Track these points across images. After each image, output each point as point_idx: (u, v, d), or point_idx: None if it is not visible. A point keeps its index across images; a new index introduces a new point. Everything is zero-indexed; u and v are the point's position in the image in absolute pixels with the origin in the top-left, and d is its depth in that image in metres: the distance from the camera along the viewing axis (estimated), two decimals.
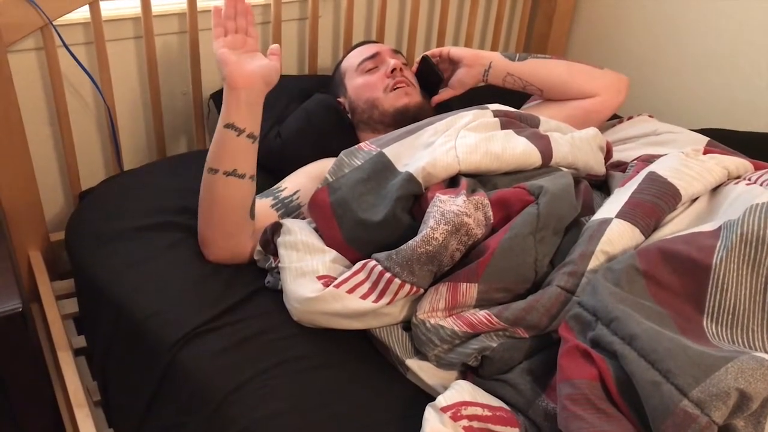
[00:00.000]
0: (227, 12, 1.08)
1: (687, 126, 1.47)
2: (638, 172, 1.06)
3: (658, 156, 1.13)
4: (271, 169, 1.32)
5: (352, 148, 1.10)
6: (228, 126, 1.04)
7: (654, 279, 0.84)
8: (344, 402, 0.89)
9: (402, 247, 0.92)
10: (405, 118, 1.26)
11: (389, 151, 1.07)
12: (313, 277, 0.97)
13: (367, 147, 1.09)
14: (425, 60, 1.38)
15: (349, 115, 1.36)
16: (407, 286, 0.92)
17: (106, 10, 1.37)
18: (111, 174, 1.49)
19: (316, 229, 1.07)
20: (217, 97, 1.51)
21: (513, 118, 1.16)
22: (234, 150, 1.05)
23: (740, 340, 0.80)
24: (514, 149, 1.06)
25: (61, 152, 1.44)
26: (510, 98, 1.42)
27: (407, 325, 0.97)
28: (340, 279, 0.95)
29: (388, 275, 0.92)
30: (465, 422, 0.80)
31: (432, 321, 0.92)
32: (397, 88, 1.30)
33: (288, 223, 1.07)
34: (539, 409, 0.83)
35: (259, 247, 1.08)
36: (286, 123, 1.37)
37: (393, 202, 0.99)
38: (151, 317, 1.01)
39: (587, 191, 1.08)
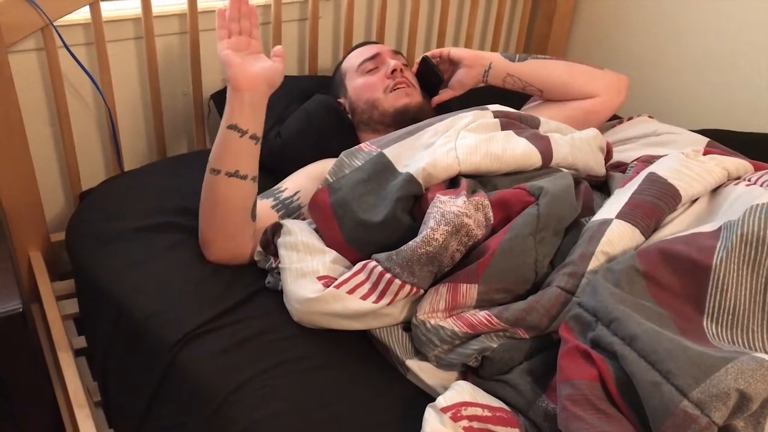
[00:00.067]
0: (231, 14, 1.08)
1: (687, 126, 1.47)
2: (638, 173, 1.06)
3: (658, 157, 1.13)
4: (271, 169, 1.32)
5: (352, 148, 1.10)
6: (231, 127, 1.04)
7: (654, 280, 0.84)
8: (344, 402, 0.89)
9: (402, 247, 0.92)
10: (405, 119, 1.27)
11: (389, 152, 1.07)
12: (314, 278, 0.97)
13: (368, 147, 1.09)
14: (425, 61, 1.38)
15: (350, 116, 1.36)
16: (407, 287, 0.92)
17: (107, 10, 1.37)
18: (111, 174, 1.49)
19: (317, 230, 1.07)
20: (218, 97, 1.51)
21: (513, 119, 1.16)
22: (236, 151, 1.05)
23: (740, 341, 0.80)
24: (514, 150, 1.06)
25: (61, 153, 1.44)
26: (510, 99, 1.42)
27: (407, 325, 0.97)
28: (340, 280, 0.95)
29: (388, 276, 0.92)
30: (465, 423, 0.80)
31: (432, 321, 0.92)
32: (398, 88, 1.30)
33: (288, 223, 1.07)
34: (539, 409, 0.83)
35: (259, 248, 1.08)
36: (286, 123, 1.37)
37: (393, 203, 0.99)
38: (152, 317, 1.01)
39: (587, 192, 1.08)
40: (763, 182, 1.00)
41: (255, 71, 1.05)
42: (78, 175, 1.42)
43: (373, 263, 0.94)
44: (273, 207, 1.15)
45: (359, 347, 0.98)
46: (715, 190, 1.03)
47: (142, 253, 1.12)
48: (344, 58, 1.44)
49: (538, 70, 1.35)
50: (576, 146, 1.13)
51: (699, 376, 0.70)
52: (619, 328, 0.78)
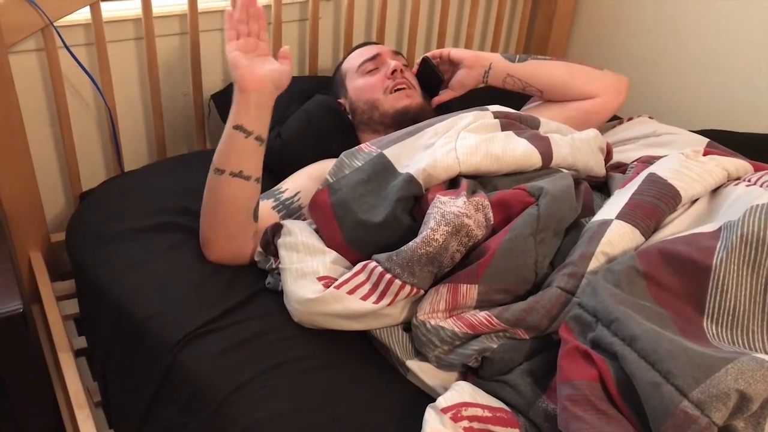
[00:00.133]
0: (240, 16, 1.08)
1: (687, 127, 1.47)
2: (638, 174, 1.06)
3: (658, 157, 1.13)
4: (272, 169, 1.32)
5: (352, 149, 1.10)
6: (236, 127, 1.05)
7: (654, 280, 0.84)
8: (345, 403, 0.89)
9: (402, 248, 0.92)
10: (405, 120, 1.27)
11: (389, 153, 1.07)
12: (314, 278, 0.97)
13: (368, 148, 1.09)
14: (425, 61, 1.38)
15: (350, 116, 1.36)
16: (408, 287, 0.92)
17: (107, 11, 1.37)
18: (111, 175, 1.49)
19: (317, 230, 1.07)
20: (218, 98, 1.51)
21: (513, 120, 1.16)
22: (241, 151, 1.05)
23: (740, 341, 0.80)
24: (514, 151, 1.06)
25: (61, 153, 1.44)
26: (510, 99, 1.42)
27: (408, 326, 0.97)
28: (340, 280, 0.95)
29: (388, 276, 0.92)
30: (465, 423, 0.80)
31: (432, 322, 0.92)
32: (398, 89, 1.30)
33: (288, 224, 1.07)
34: (539, 410, 0.83)
35: (259, 249, 1.08)
36: (286, 124, 1.37)
37: (393, 203, 0.99)
38: (152, 318, 1.01)
39: (587, 192, 1.08)
40: (763, 183, 1.00)
41: (262, 73, 1.05)
42: (78, 176, 1.42)
43: (374, 264, 0.94)
44: (273, 208, 1.15)
45: (359, 348, 0.98)
46: (715, 191, 1.03)
47: (142, 253, 1.12)
48: (344, 58, 1.44)
49: (538, 70, 1.35)
50: (576, 147, 1.13)
51: (699, 377, 0.70)
52: (619, 329, 0.78)
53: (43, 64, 1.34)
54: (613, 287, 0.82)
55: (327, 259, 1.00)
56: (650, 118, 1.48)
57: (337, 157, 1.11)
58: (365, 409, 0.88)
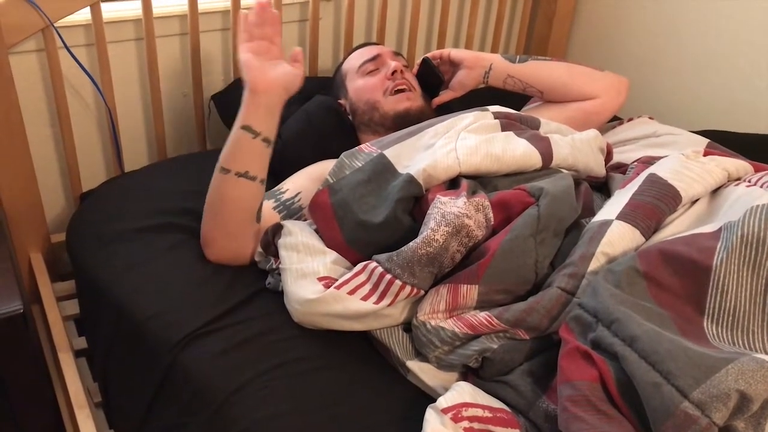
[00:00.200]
0: (254, 19, 1.08)
1: (687, 127, 1.48)
2: (638, 174, 1.06)
3: (659, 158, 1.13)
4: (272, 170, 1.31)
5: (352, 149, 1.10)
6: (245, 128, 1.05)
7: (654, 280, 0.84)
8: (345, 403, 0.89)
9: (403, 248, 0.92)
10: (405, 122, 1.26)
11: (390, 153, 1.07)
12: (314, 279, 0.97)
13: (368, 149, 1.09)
14: (426, 62, 1.38)
15: (350, 117, 1.36)
16: (408, 288, 0.92)
17: (107, 11, 1.37)
18: (112, 175, 1.49)
19: (317, 231, 1.07)
20: (218, 98, 1.51)
21: (513, 120, 1.16)
22: (248, 152, 1.05)
23: (740, 342, 0.80)
24: (514, 151, 1.06)
25: (62, 153, 1.44)
26: (510, 100, 1.42)
27: (408, 326, 0.97)
28: (340, 280, 0.95)
29: (388, 277, 0.92)
30: (466, 423, 0.80)
31: (432, 322, 0.92)
32: (398, 90, 1.30)
33: (288, 224, 1.07)
34: (540, 410, 0.83)
35: (259, 249, 1.08)
36: (286, 124, 1.37)
37: (394, 204, 0.99)
38: (152, 318, 1.01)
39: (587, 193, 1.08)
40: (764, 183, 1.00)
41: (273, 75, 1.05)
42: (78, 176, 1.42)
43: (374, 264, 0.94)
44: (274, 208, 1.15)
45: (360, 348, 0.98)
46: (716, 191, 1.03)
47: (142, 253, 1.12)
48: (345, 59, 1.44)
49: (539, 71, 1.35)
50: (576, 147, 1.13)
51: (699, 377, 0.70)
52: (619, 329, 0.78)
53: (44, 65, 1.34)
54: (614, 288, 0.82)
55: (327, 260, 1.00)
56: (650, 118, 1.48)
57: (337, 157, 1.11)
58: (366, 409, 0.88)
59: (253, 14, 1.07)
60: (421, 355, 0.94)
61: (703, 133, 1.41)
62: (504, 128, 1.13)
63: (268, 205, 1.16)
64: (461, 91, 1.38)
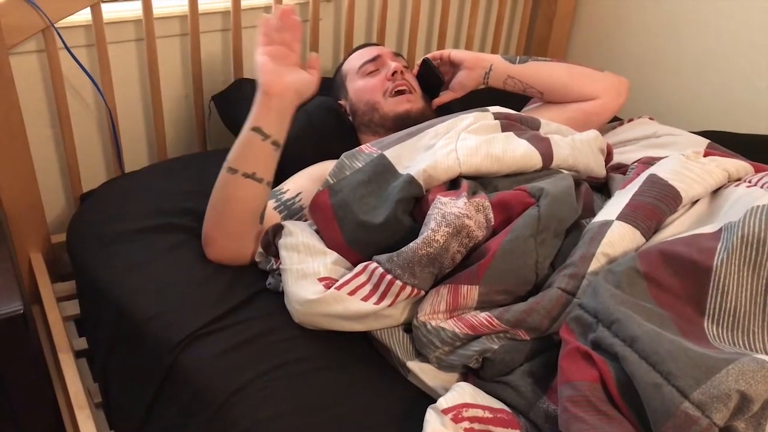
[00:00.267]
0: (276, 24, 1.08)
1: (687, 128, 1.48)
2: (639, 175, 1.06)
3: (659, 158, 1.14)
4: None
5: (352, 150, 1.10)
6: (255, 129, 1.05)
7: (655, 281, 0.84)
8: (345, 404, 0.89)
9: (403, 249, 0.92)
10: (406, 124, 1.26)
11: (390, 154, 1.07)
12: (315, 279, 0.97)
13: (368, 149, 1.09)
14: (426, 63, 1.38)
15: (350, 118, 1.36)
16: (408, 288, 0.92)
17: (108, 12, 1.37)
18: (112, 176, 1.49)
19: (317, 231, 1.07)
20: (218, 99, 1.51)
21: (514, 121, 1.16)
22: (257, 154, 1.06)
23: (741, 342, 0.80)
24: (514, 152, 1.06)
25: (62, 154, 1.44)
26: (510, 101, 1.42)
27: (408, 327, 0.97)
28: (341, 281, 0.95)
29: (389, 277, 0.92)
30: (466, 424, 0.80)
31: (433, 323, 0.92)
32: (398, 91, 1.30)
33: (289, 225, 1.07)
34: (540, 410, 0.83)
35: (260, 249, 1.08)
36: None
37: (394, 204, 0.99)
38: (153, 319, 1.01)
39: (588, 193, 1.08)
40: (764, 184, 1.00)
41: (288, 80, 1.06)
42: (79, 177, 1.42)
43: (374, 265, 0.94)
44: (275, 208, 1.15)
45: (360, 349, 0.98)
46: (716, 192, 1.03)
47: (142, 254, 1.12)
48: (345, 59, 1.44)
49: (539, 72, 1.35)
50: (576, 148, 1.13)
51: (700, 378, 0.70)
52: (619, 330, 0.78)
53: (44, 65, 1.34)
54: (614, 288, 0.82)
55: (328, 260, 1.00)
56: (650, 119, 1.49)
57: (337, 158, 1.11)
58: (366, 409, 0.88)
59: (275, 19, 1.07)
60: (421, 356, 0.94)
61: (704, 134, 1.42)
62: (504, 129, 1.13)
63: (269, 205, 1.16)
64: (461, 91, 1.38)
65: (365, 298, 0.93)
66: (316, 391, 0.90)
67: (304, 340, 0.97)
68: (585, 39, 2.01)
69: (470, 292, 0.91)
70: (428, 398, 0.91)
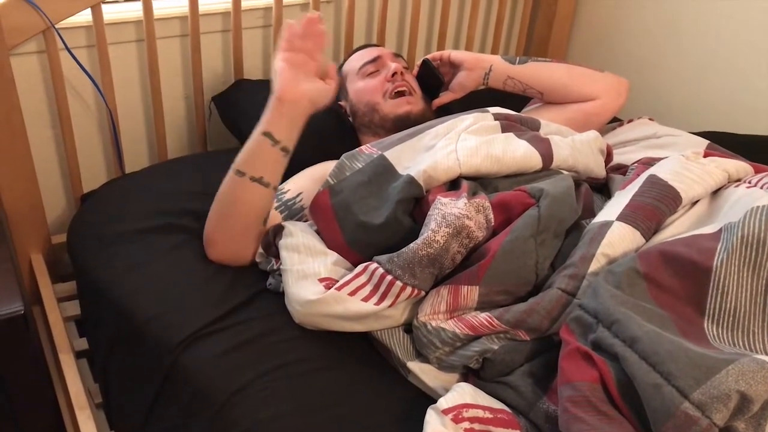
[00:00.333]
0: (299, 31, 1.07)
1: (687, 129, 1.48)
2: (639, 175, 1.06)
3: (659, 159, 1.14)
4: None
5: (353, 151, 1.10)
6: (265, 134, 1.05)
7: (655, 281, 0.84)
8: (346, 404, 0.89)
9: (403, 249, 0.92)
10: (405, 125, 1.26)
11: (390, 154, 1.07)
12: (315, 280, 0.97)
13: (368, 150, 1.09)
14: (426, 63, 1.38)
15: (350, 119, 1.36)
16: (409, 289, 0.92)
17: (108, 13, 1.38)
18: (112, 176, 1.49)
19: (318, 232, 1.07)
20: (219, 100, 1.51)
21: (513, 122, 1.16)
22: (266, 158, 1.06)
23: (741, 343, 0.80)
24: (514, 152, 1.07)
25: (62, 155, 1.44)
26: (510, 101, 1.42)
27: (408, 327, 0.97)
28: (341, 281, 0.95)
29: (389, 278, 0.92)
30: (466, 424, 0.80)
31: (433, 323, 0.92)
32: (398, 92, 1.30)
33: (289, 225, 1.07)
34: (540, 411, 0.83)
35: (260, 250, 1.08)
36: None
37: (394, 205, 0.99)
38: (153, 319, 1.01)
39: (588, 194, 1.08)
40: (764, 184, 1.00)
41: (303, 87, 1.06)
42: (79, 177, 1.42)
43: (375, 265, 0.94)
44: (276, 208, 1.15)
45: (360, 349, 0.98)
46: (716, 193, 1.03)
47: (143, 254, 1.12)
48: (345, 60, 1.44)
49: (539, 72, 1.35)
50: (576, 148, 1.14)
51: (700, 378, 0.70)
52: (620, 330, 0.78)
53: (45, 66, 1.34)
54: (614, 289, 0.82)
55: (328, 261, 1.00)
56: (650, 119, 1.49)
57: (337, 158, 1.11)
58: (366, 410, 0.88)
59: (299, 26, 1.07)
60: (421, 356, 0.94)
61: (703, 135, 1.42)
62: (504, 129, 1.13)
63: None
64: (461, 92, 1.38)
65: (366, 299, 0.93)
66: (316, 392, 0.90)
67: (305, 341, 0.97)
68: (585, 40, 2.01)
69: (470, 293, 0.91)
70: (428, 398, 0.91)
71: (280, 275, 1.03)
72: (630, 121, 1.49)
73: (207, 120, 1.56)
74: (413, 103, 1.30)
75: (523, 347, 0.89)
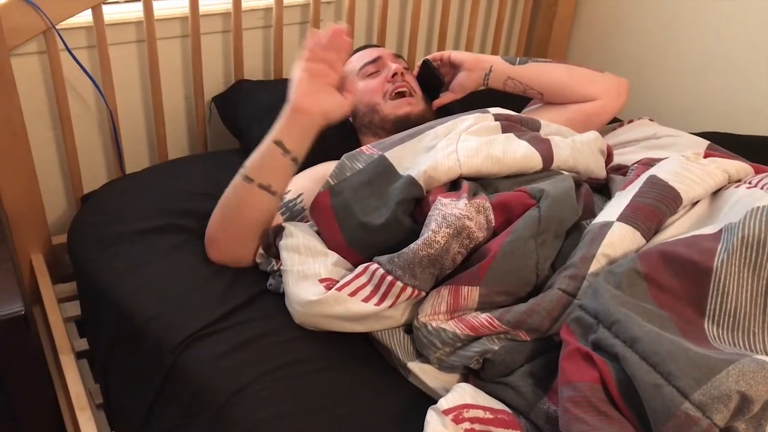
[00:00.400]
0: (324, 42, 1.07)
1: (687, 129, 1.48)
2: (639, 176, 1.06)
3: (659, 159, 1.14)
4: None
5: (353, 151, 1.10)
6: (277, 143, 1.06)
7: (655, 282, 0.84)
8: (346, 405, 0.89)
9: (404, 250, 0.92)
10: (406, 126, 1.26)
11: (391, 155, 1.07)
12: (315, 280, 0.97)
13: (369, 150, 1.09)
14: (426, 64, 1.38)
15: (351, 119, 1.36)
16: (409, 289, 0.92)
17: (109, 14, 1.38)
18: (113, 177, 1.49)
19: (318, 232, 1.07)
20: (219, 100, 1.51)
21: (514, 122, 1.16)
22: (275, 167, 1.06)
23: (741, 343, 0.80)
24: (515, 153, 1.07)
25: (63, 155, 1.44)
26: (511, 102, 1.42)
27: (409, 328, 0.97)
28: (342, 282, 0.95)
29: (390, 278, 0.92)
30: (467, 425, 0.80)
31: (434, 324, 0.92)
32: (399, 93, 1.30)
33: (290, 226, 1.07)
34: (541, 411, 0.83)
35: (261, 250, 1.09)
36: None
37: (395, 206, 0.99)
38: (153, 320, 1.01)
39: (588, 195, 1.08)
40: (764, 185, 1.00)
41: (317, 100, 1.06)
42: (79, 178, 1.43)
43: (375, 266, 0.94)
44: (277, 209, 1.15)
45: (361, 350, 0.98)
46: (716, 193, 1.03)
47: (143, 255, 1.12)
48: (345, 61, 1.44)
49: (539, 73, 1.35)
50: (577, 149, 1.14)
51: (700, 378, 0.70)
52: (620, 330, 0.78)
53: (45, 67, 1.35)
54: (614, 289, 0.82)
55: (329, 261, 1.00)
56: (650, 120, 1.49)
57: (338, 159, 1.11)
58: (367, 410, 0.88)
59: (325, 36, 1.06)
60: (422, 357, 0.94)
61: (704, 135, 1.42)
62: (504, 130, 1.13)
63: None
64: (461, 93, 1.38)
65: (366, 299, 0.93)
66: (316, 392, 0.90)
67: (305, 341, 0.97)
68: (585, 40, 2.02)
69: (471, 293, 0.91)
70: (429, 399, 0.91)
71: (281, 276, 1.03)
72: (630, 121, 1.49)
73: (207, 120, 1.56)
74: (413, 104, 1.30)
75: (523, 348, 0.89)
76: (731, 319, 0.81)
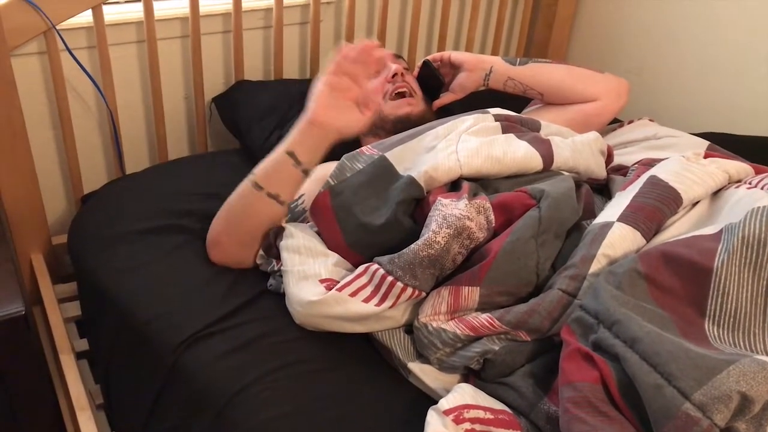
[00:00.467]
0: (351, 55, 1.05)
1: (687, 130, 1.48)
2: (639, 176, 1.06)
3: (659, 160, 1.14)
4: None
5: (353, 151, 1.10)
6: (290, 153, 1.05)
7: (656, 282, 0.84)
8: (347, 405, 0.89)
9: (404, 250, 0.92)
10: (406, 127, 1.26)
11: (391, 155, 1.07)
12: (316, 281, 0.97)
13: (369, 151, 1.09)
14: (426, 64, 1.38)
15: None
16: (409, 290, 0.92)
17: (109, 14, 1.38)
18: (113, 177, 1.49)
19: (318, 233, 1.07)
20: (219, 101, 1.52)
21: (514, 123, 1.16)
22: (286, 177, 1.06)
23: (742, 343, 0.80)
24: (515, 153, 1.07)
25: (63, 156, 1.44)
26: (511, 102, 1.42)
27: (409, 328, 0.97)
28: (342, 282, 0.95)
29: (390, 279, 0.92)
30: (467, 425, 0.80)
31: (434, 324, 0.92)
32: (399, 93, 1.30)
33: (290, 226, 1.07)
34: (541, 412, 0.83)
35: (261, 251, 1.09)
36: (288, 126, 1.37)
37: (395, 206, 0.99)
38: (154, 320, 1.01)
39: (588, 195, 1.08)
40: (764, 185, 1.00)
41: (334, 116, 1.05)
42: (80, 178, 1.43)
43: (375, 266, 0.94)
44: (284, 217, 1.15)
45: (361, 350, 0.98)
46: (716, 193, 1.03)
47: (143, 255, 1.12)
48: None
49: (539, 73, 1.35)
50: (577, 149, 1.14)
51: (701, 379, 0.70)
52: (620, 331, 0.78)
53: (45, 67, 1.35)
54: (615, 289, 0.83)
55: (329, 262, 1.00)
56: (651, 120, 1.49)
57: (338, 159, 1.11)
58: (367, 411, 0.88)
59: (354, 51, 1.04)
60: (422, 357, 0.94)
61: (704, 136, 1.42)
62: (505, 130, 1.13)
63: None
64: (462, 93, 1.38)
65: (366, 300, 0.93)
66: (317, 393, 0.90)
67: (306, 342, 0.97)
68: (585, 42, 2.02)
69: (471, 294, 0.91)
70: (429, 399, 0.91)
71: (281, 276, 1.03)
72: (630, 122, 1.49)
73: (207, 121, 1.56)
74: (413, 104, 1.30)
75: (523, 348, 0.89)
76: (732, 319, 0.81)
